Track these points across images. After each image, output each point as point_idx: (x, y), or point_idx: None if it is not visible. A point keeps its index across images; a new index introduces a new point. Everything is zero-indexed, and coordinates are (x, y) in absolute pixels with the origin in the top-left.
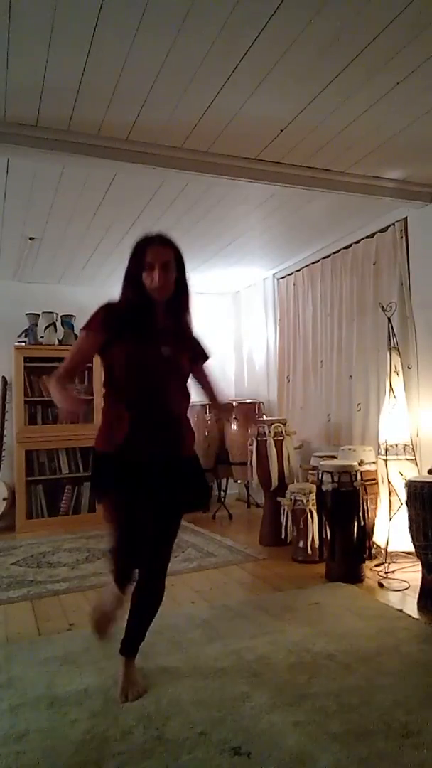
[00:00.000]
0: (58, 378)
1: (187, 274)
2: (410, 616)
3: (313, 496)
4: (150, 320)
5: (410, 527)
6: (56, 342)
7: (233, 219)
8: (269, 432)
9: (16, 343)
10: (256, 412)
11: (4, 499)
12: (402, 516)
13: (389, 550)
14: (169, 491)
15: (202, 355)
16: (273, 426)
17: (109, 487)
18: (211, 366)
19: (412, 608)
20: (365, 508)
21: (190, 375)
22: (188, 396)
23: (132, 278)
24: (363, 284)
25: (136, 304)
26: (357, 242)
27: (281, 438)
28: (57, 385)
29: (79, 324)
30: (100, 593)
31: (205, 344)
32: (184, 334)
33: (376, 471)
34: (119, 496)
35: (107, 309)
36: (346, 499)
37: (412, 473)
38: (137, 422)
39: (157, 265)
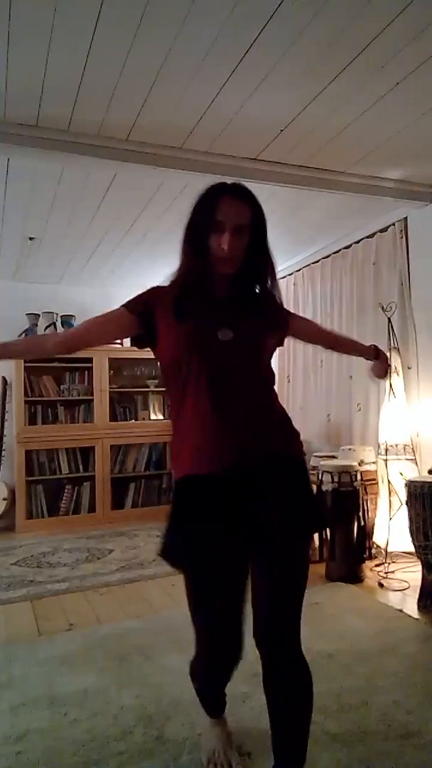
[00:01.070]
0: (52, 339)
1: (267, 238)
2: (410, 616)
3: None
4: (208, 297)
5: (410, 527)
6: None
7: None
8: None
9: None
10: None
11: (4, 499)
12: (402, 516)
13: (389, 550)
14: (274, 511)
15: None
16: None
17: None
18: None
19: (412, 608)
20: (365, 508)
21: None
22: (268, 383)
23: (195, 239)
24: (363, 284)
25: (196, 278)
26: (357, 242)
27: None
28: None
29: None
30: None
31: (283, 311)
32: (263, 308)
33: (376, 471)
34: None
35: (153, 291)
36: (346, 499)
37: (412, 473)
38: (207, 428)
39: (228, 227)
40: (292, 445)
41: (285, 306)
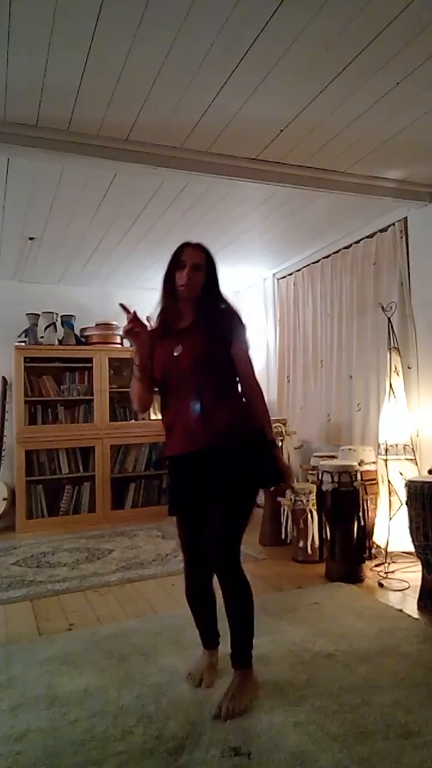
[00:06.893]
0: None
1: (218, 279)
2: (410, 616)
3: (313, 496)
4: (174, 321)
5: (410, 527)
6: (56, 342)
7: (233, 219)
8: None
9: (16, 343)
10: None
11: (4, 499)
12: (402, 516)
13: (389, 550)
14: (216, 477)
15: (229, 341)
16: (273, 426)
17: (178, 492)
18: (244, 354)
19: (412, 608)
20: (365, 508)
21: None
22: (220, 387)
23: (167, 277)
24: (363, 284)
25: (166, 307)
26: (357, 242)
27: (281, 438)
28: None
29: (79, 324)
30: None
31: (233, 327)
32: (216, 327)
33: (376, 471)
34: (184, 498)
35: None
36: (346, 499)
37: (412, 473)
38: (175, 421)
39: (188, 264)
40: (235, 436)
41: (284, 305)
